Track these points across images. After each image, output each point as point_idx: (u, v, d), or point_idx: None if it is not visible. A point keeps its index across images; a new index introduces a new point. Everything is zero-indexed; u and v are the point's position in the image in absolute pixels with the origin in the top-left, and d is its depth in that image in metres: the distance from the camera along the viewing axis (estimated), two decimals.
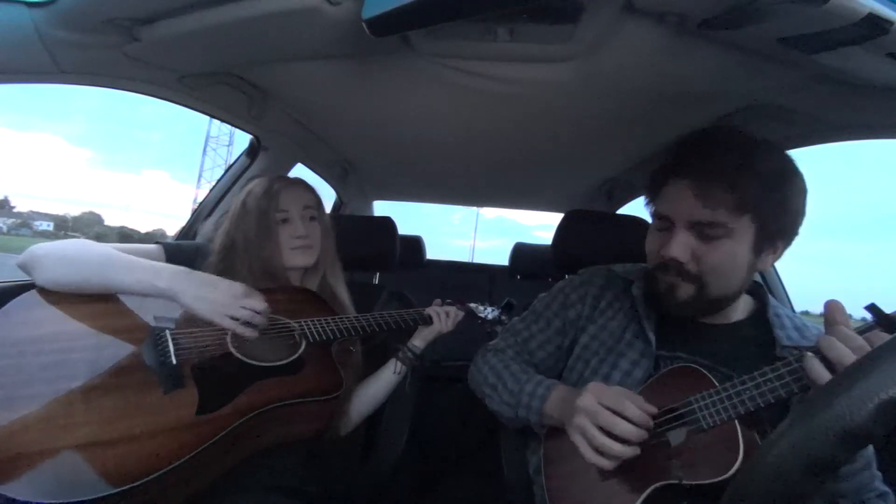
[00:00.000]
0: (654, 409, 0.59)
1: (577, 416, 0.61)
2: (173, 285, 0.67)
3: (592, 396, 0.60)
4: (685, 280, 0.65)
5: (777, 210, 0.62)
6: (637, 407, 0.58)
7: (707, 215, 0.62)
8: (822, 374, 0.48)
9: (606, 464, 0.57)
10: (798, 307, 1.33)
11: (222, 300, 0.68)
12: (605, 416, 0.58)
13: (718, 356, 0.68)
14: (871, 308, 0.49)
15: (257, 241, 0.87)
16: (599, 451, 0.58)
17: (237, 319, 0.68)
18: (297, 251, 0.90)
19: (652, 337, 0.71)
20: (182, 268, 0.71)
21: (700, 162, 0.64)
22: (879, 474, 0.61)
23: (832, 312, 0.52)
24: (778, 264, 1.30)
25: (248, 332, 0.69)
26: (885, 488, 0.60)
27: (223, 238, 0.89)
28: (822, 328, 0.54)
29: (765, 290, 0.76)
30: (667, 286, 0.67)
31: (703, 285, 0.65)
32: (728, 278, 0.65)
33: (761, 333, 0.70)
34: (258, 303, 0.70)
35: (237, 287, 0.70)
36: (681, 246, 0.64)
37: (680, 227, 0.64)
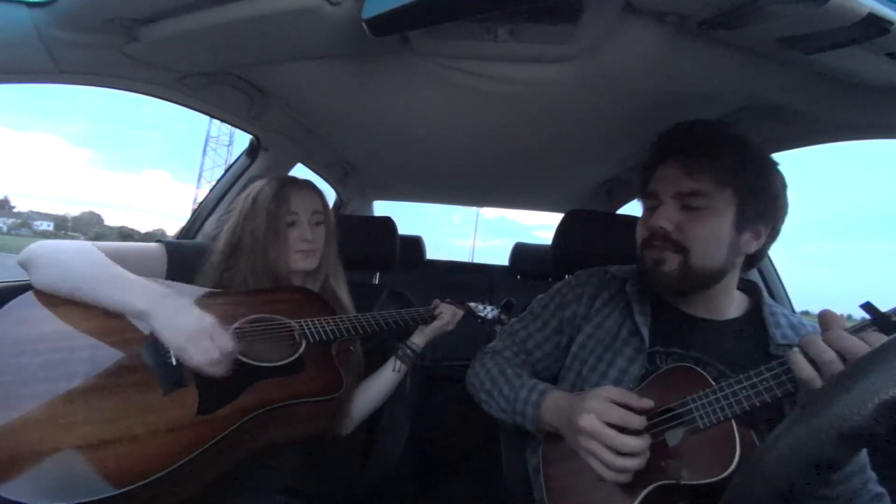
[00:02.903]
0: (650, 403, 0.60)
1: (584, 439, 0.60)
2: (150, 308, 0.65)
3: (595, 417, 0.59)
4: (670, 251, 0.68)
5: (756, 189, 0.66)
6: (636, 409, 0.59)
7: (691, 185, 0.67)
8: (806, 370, 0.49)
9: (623, 478, 0.57)
10: (798, 307, 1.33)
11: (186, 336, 0.63)
12: (612, 437, 0.57)
13: (713, 352, 0.68)
14: (867, 306, 0.50)
15: (264, 242, 0.86)
16: (613, 468, 0.57)
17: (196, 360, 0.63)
18: (301, 255, 0.90)
19: (646, 333, 0.72)
20: (165, 290, 0.69)
21: (685, 142, 0.69)
22: (874, 476, 0.61)
23: (825, 322, 0.53)
24: (778, 264, 1.31)
25: (199, 372, 0.64)
26: (881, 489, 0.60)
27: (229, 236, 0.89)
28: (819, 327, 0.54)
29: (760, 288, 0.78)
30: (653, 261, 0.70)
31: (686, 256, 0.67)
32: (711, 250, 0.67)
33: (756, 331, 0.71)
34: (219, 349, 0.64)
35: (208, 324, 0.65)
36: (666, 215, 0.68)
37: (666, 199, 0.69)
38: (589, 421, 0.59)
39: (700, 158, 0.67)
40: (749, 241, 0.69)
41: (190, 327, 0.64)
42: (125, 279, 0.68)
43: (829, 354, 0.48)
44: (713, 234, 0.67)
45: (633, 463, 0.56)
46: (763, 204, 0.68)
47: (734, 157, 0.66)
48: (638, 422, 0.58)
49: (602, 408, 0.60)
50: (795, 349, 0.51)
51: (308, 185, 0.95)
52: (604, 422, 0.58)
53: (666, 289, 0.71)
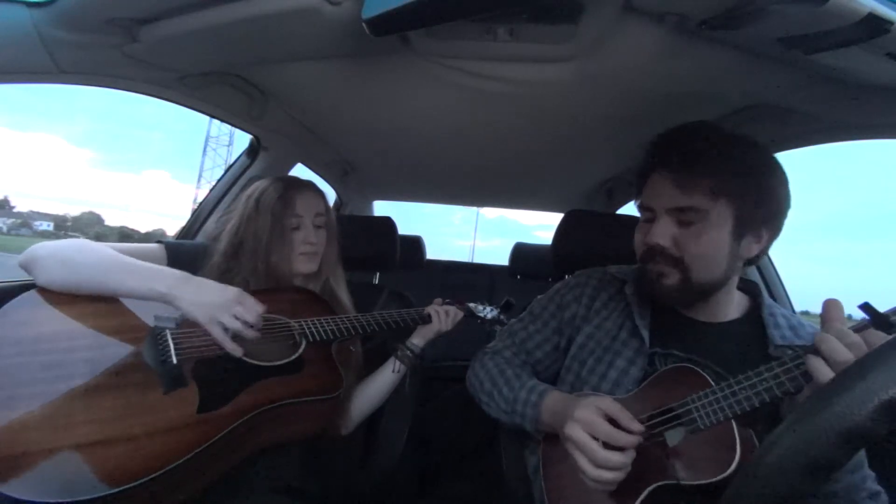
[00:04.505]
0: (641, 428, 0.59)
1: (569, 445, 0.60)
2: (172, 289, 0.66)
3: (580, 427, 0.59)
4: (670, 266, 0.67)
5: (754, 195, 0.64)
6: (625, 428, 0.58)
7: (685, 200, 0.65)
8: (824, 373, 0.49)
9: (601, 487, 0.58)
10: (798, 307, 1.33)
11: (218, 307, 0.66)
12: (593, 450, 0.57)
13: (712, 354, 0.68)
14: (865, 307, 0.50)
15: (268, 244, 0.86)
16: (590, 478, 0.58)
17: (228, 329, 0.67)
18: (304, 257, 0.90)
19: (645, 335, 0.72)
20: (181, 272, 0.70)
21: (676, 153, 0.67)
22: (872, 474, 0.61)
23: (829, 310, 0.53)
24: (778, 264, 1.31)
25: (235, 350, 0.67)
26: (878, 488, 0.60)
27: (230, 237, 0.88)
28: (818, 327, 0.54)
29: (760, 289, 0.77)
30: (654, 275, 0.69)
31: (686, 271, 0.66)
32: (710, 263, 0.66)
33: (755, 332, 0.70)
34: (252, 311, 0.68)
35: (233, 292, 0.68)
36: (662, 232, 0.67)
37: (661, 214, 0.68)
38: (574, 430, 0.59)
39: (691, 172, 0.64)
40: (750, 246, 0.68)
41: (218, 298, 0.66)
42: (137, 266, 0.69)
43: (845, 352, 0.48)
44: (711, 248, 0.65)
45: (611, 476, 0.56)
46: (762, 207, 0.66)
47: (727, 166, 0.63)
48: (624, 440, 0.57)
49: (590, 420, 0.59)
50: (811, 354, 0.50)
51: (311, 186, 0.95)
52: (589, 434, 0.58)
53: (669, 301, 0.71)
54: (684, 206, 0.65)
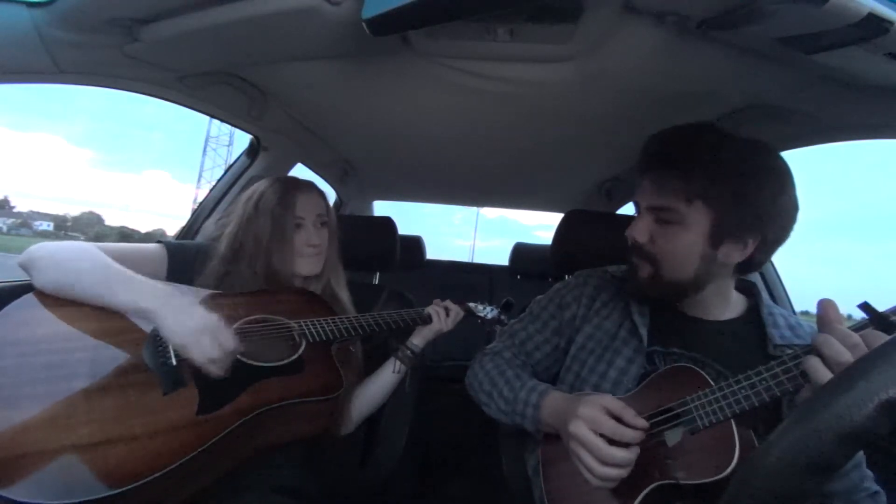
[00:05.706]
0: (645, 424, 0.59)
1: (573, 444, 0.61)
2: (155, 308, 0.65)
3: (585, 425, 0.59)
4: (644, 261, 0.70)
5: (735, 201, 0.63)
6: (629, 425, 0.58)
7: (660, 200, 0.68)
8: (823, 374, 0.48)
9: (608, 485, 0.58)
10: (798, 307, 1.33)
11: (190, 334, 0.64)
12: (599, 447, 0.57)
13: (712, 352, 0.69)
14: (864, 306, 0.50)
15: (270, 246, 0.86)
16: (596, 475, 0.58)
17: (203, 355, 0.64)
18: (307, 258, 0.90)
19: (644, 333, 0.72)
20: (169, 290, 0.69)
21: (656, 156, 0.70)
22: (870, 474, 0.61)
23: (825, 310, 0.52)
24: (778, 264, 1.31)
25: (212, 371, 0.65)
26: (877, 488, 0.60)
27: (230, 239, 0.88)
28: (817, 327, 0.54)
29: (758, 289, 0.77)
30: (632, 266, 0.73)
31: (658, 267, 0.69)
32: (680, 263, 0.68)
33: (754, 331, 0.71)
34: (219, 346, 0.65)
35: (209, 322, 0.66)
36: (640, 227, 0.70)
37: (642, 211, 0.71)
38: (579, 428, 0.60)
39: (669, 174, 0.66)
40: (730, 253, 0.66)
41: (193, 325, 0.65)
42: (129, 278, 0.69)
43: (848, 355, 0.47)
44: (682, 249, 0.67)
45: (617, 473, 0.57)
46: (745, 215, 0.63)
47: (707, 172, 0.63)
48: (630, 435, 0.57)
49: (594, 417, 0.59)
50: (811, 355, 0.50)
51: (312, 187, 0.94)
52: (594, 431, 0.58)
53: (639, 294, 0.73)
54: (660, 205, 0.67)
